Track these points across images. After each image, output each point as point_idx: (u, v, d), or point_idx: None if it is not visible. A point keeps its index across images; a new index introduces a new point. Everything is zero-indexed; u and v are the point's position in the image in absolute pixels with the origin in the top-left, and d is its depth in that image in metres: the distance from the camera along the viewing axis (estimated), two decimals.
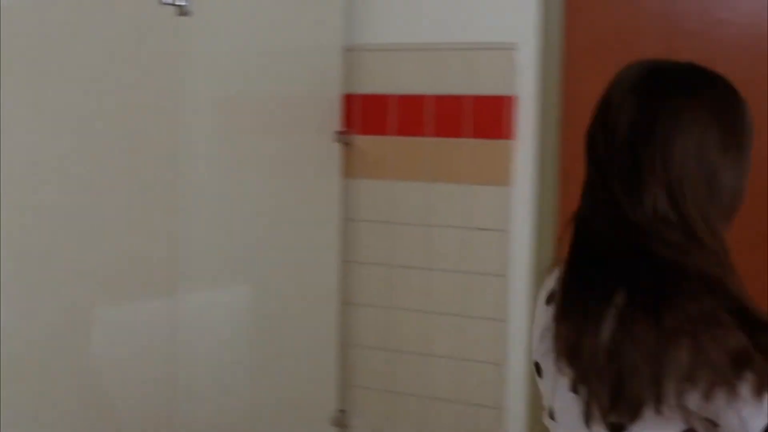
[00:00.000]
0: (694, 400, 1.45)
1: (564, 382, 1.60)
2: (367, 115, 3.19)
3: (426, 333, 3.15)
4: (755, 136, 1.59)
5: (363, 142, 3.19)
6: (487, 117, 3.03)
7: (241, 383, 2.83)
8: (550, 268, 1.72)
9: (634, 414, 1.50)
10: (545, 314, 1.66)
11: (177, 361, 2.57)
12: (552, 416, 1.71)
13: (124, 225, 2.37)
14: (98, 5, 2.28)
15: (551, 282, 1.69)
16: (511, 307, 3.05)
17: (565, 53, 2.99)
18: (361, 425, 3.27)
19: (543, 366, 1.69)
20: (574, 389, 1.57)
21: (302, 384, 3.08)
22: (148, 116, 2.41)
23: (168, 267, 2.52)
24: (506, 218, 3.04)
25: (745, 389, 1.43)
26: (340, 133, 3.17)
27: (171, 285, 2.53)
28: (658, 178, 1.53)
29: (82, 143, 2.26)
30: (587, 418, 1.55)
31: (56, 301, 2.22)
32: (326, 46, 3.11)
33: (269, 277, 2.91)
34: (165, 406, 2.55)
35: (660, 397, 1.46)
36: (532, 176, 3.02)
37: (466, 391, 3.11)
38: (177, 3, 2.44)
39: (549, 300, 1.67)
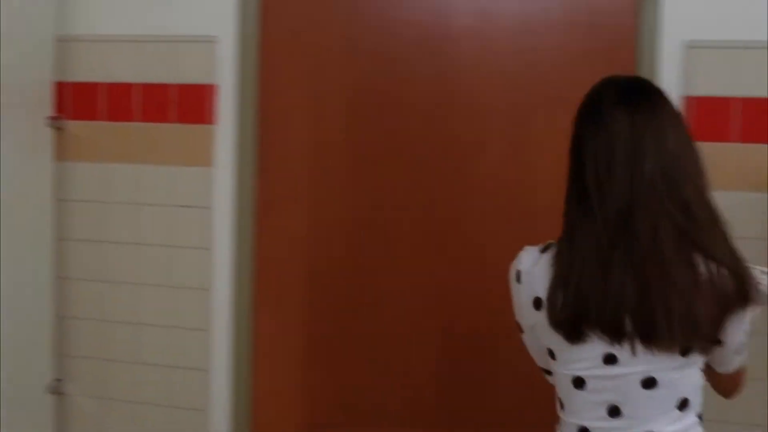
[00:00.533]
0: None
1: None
2: (78, 101, 3.40)
3: (136, 303, 3.40)
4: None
5: (75, 127, 3.40)
6: (191, 104, 3.31)
7: None
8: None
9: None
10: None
11: None
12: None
13: None
14: None
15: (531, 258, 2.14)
16: (214, 278, 3.34)
17: (261, 46, 3.30)
18: (76, 392, 3.49)
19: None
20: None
21: (19, 354, 3.26)
22: None
23: None
24: (209, 196, 3.32)
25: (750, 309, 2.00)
26: (52, 118, 3.36)
27: None
28: (657, 165, 1.98)
29: None
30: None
31: None
32: (38, 35, 3.30)
33: None
34: None
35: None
36: (232, 158, 3.31)
37: (173, 354, 3.39)
38: None
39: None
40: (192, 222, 3.34)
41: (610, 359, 2.02)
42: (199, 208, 3.33)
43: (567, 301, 2.01)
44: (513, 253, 3.12)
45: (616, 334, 1.99)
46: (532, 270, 2.11)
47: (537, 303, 2.10)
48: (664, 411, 2.05)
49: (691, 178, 2.01)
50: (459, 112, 3.18)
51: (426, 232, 3.22)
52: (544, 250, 2.12)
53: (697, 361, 2.02)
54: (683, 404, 2.05)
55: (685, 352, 1.99)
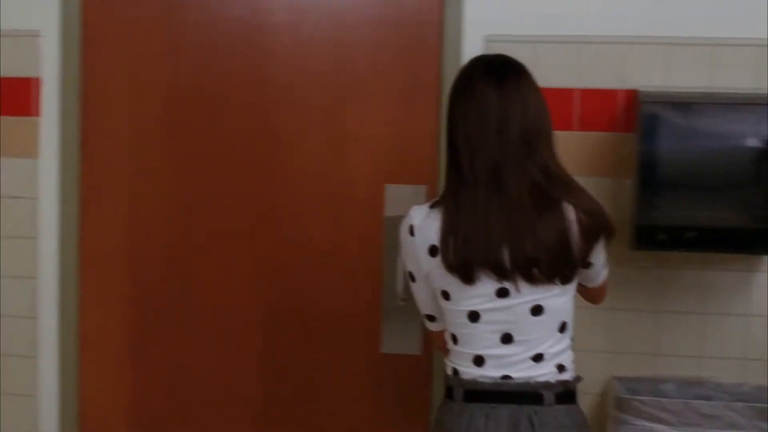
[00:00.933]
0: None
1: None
2: None
3: None
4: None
5: None
6: (15, 97, 3.37)
7: None
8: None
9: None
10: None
11: None
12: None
13: None
14: None
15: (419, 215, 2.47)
16: (41, 267, 3.41)
17: (84, 39, 3.38)
18: None
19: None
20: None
21: None
22: None
23: None
24: (35, 187, 3.39)
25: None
26: None
27: None
28: (520, 130, 2.36)
29: None
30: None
31: None
32: None
33: None
34: None
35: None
36: (57, 149, 3.39)
37: (2, 341, 3.45)
38: None
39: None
40: (18, 212, 3.40)
41: (502, 293, 2.38)
42: (25, 199, 3.40)
43: (457, 247, 2.37)
44: (331, 239, 3.28)
45: (500, 273, 2.36)
46: (424, 223, 2.44)
47: (432, 250, 2.44)
48: (549, 335, 2.41)
49: (547, 140, 2.42)
50: (276, 104, 3.31)
51: (246, 222, 3.34)
52: (432, 206, 2.46)
53: (572, 288, 2.42)
54: (563, 327, 2.43)
55: (564, 281, 2.39)
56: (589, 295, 2.66)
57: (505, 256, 2.36)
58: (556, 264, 2.37)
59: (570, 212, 2.37)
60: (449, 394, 2.48)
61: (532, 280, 2.37)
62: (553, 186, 2.39)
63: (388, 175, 3.26)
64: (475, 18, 3.16)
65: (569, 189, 2.41)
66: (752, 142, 2.87)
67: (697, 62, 3.04)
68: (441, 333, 2.58)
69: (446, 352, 2.55)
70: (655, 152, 2.90)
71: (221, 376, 3.39)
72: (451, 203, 2.41)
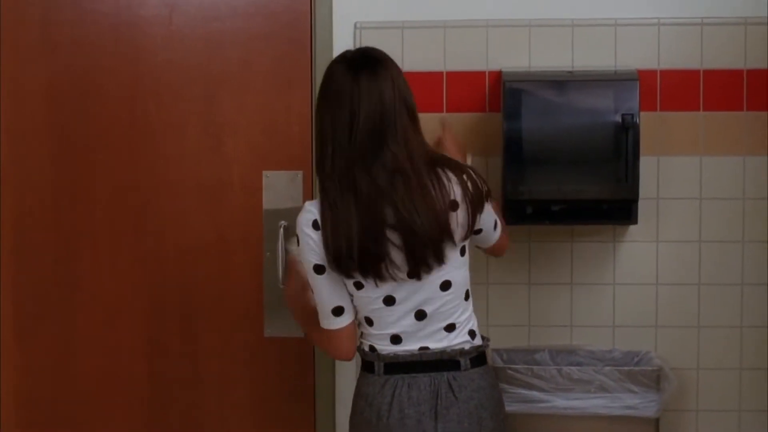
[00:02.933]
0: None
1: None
2: None
3: None
4: None
5: None
6: None
7: None
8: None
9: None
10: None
11: None
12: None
13: None
14: None
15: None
16: None
17: None
18: None
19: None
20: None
21: None
22: None
23: None
24: None
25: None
26: None
27: None
28: (369, 123, 2.43)
29: None
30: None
31: None
32: None
33: None
34: None
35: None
36: None
37: None
38: None
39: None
40: None
41: (413, 274, 2.49)
42: None
43: (327, 245, 2.47)
44: (212, 225, 3.33)
45: (370, 273, 2.49)
46: (324, 216, 2.48)
47: None
48: (458, 305, 2.55)
49: (400, 130, 2.46)
50: (151, 97, 3.36)
51: (129, 211, 3.38)
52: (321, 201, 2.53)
53: (468, 257, 2.58)
54: (467, 295, 2.58)
55: (462, 253, 2.54)
56: (490, 251, 2.78)
57: (387, 249, 2.46)
58: (429, 249, 2.47)
59: (452, 185, 2.48)
60: (368, 368, 2.59)
61: (420, 262, 2.48)
62: (418, 168, 2.47)
63: (265, 162, 3.32)
64: (344, 5, 3.24)
65: (442, 164, 2.51)
66: (611, 116, 3.00)
67: (557, 43, 3.17)
68: (336, 334, 2.58)
69: (341, 354, 2.61)
70: (520, 130, 3.01)
71: (108, 361, 3.41)
72: (323, 199, 2.50)
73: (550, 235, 3.20)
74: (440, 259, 2.48)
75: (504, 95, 3.02)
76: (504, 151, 3.01)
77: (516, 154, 3.02)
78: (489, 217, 2.61)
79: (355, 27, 3.21)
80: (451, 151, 2.85)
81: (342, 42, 3.21)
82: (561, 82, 3.06)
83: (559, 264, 3.21)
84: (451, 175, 2.50)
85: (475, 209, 2.52)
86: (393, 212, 2.45)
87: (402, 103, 2.50)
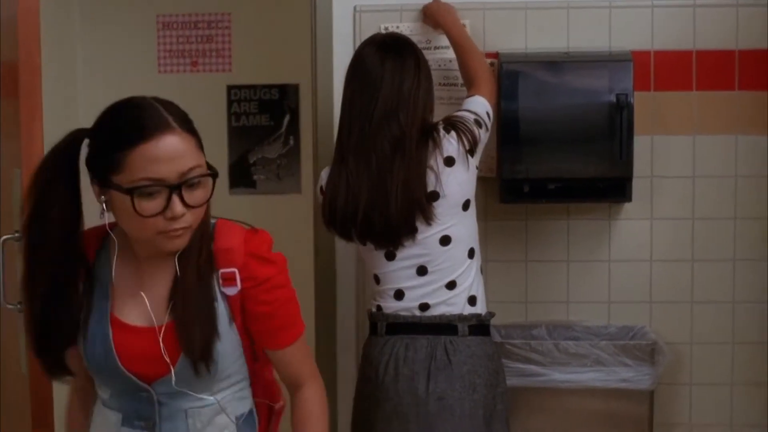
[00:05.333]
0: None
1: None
2: None
3: None
4: None
5: None
6: None
7: None
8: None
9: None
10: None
11: None
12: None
13: None
14: None
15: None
16: None
17: None
18: None
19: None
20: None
21: None
22: None
23: None
24: None
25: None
26: None
27: None
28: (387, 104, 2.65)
29: None
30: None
31: None
32: None
33: None
34: None
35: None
36: None
37: None
38: None
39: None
40: None
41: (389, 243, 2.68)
42: None
43: (331, 209, 2.70)
44: None
45: (369, 237, 2.69)
46: (333, 181, 2.72)
47: None
48: (460, 262, 2.69)
49: (412, 114, 2.66)
50: None
51: None
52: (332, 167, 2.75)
53: (473, 211, 2.72)
54: (471, 253, 2.72)
55: (464, 207, 2.69)
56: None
57: (374, 218, 2.66)
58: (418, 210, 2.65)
59: (446, 143, 2.69)
60: (373, 329, 2.76)
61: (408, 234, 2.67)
62: (414, 138, 2.68)
63: None
64: None
65: (436, 128, 2.72)
66: (606, 96, 3.07)
67: (552, 25, 3.23)
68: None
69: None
70: (517, 110, 3.08)
71: None
72: (336, 167, 2.72)
73: (546, 213, 3.27)
74: (412, 231, 2.66)
75: (501, 77, 3.09)
76: (500, 131, 3.08)
77: (513, 134, 3.08)
78: (478, 107, 2.85)
79: (355, 10, 3.27)
80: (446, 20, 3.09)
81: (342, 25, 3.27)
82: (556, 64, 3.13)
83: (555, 241, 3.29)
84: (443, 134, 2.69)
85: (472, 149, 2.73)
86: (388, 186, 2.62)
87: (424, 91, 2.71)
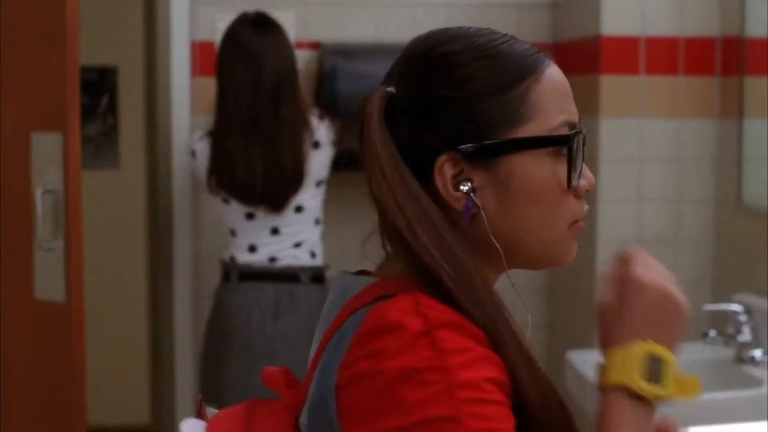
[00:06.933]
0: None
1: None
2: None
3: None
4: None
5: None
6: None
7: None
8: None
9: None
10: None
11: None
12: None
13: None
14: None
15: None
16: None
17: None
18: None
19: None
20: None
21: None
22: None
23: None
24: None
25: None
26: None
27: None
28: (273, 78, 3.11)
29: None
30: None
31: None
32: None
33: None
34: None
35: None
36: None
37: None
38: None
39: None
40: None
41: (298, 209, 3.17)
42: None
43: (220, 178, 3.13)
44: None
45: (251, 201, 3.14)
46: (200, 147, 3.18)
47: (209, 170, 3.18)
48: (307, 227, 3.19)
49: (290, 88, 3.13)
50: None
51: None
52: (208, 135, 3.19)
53: (324, 188, 3.22)
54: (317, 221, 3.25)
55: (318, 185, 3.19)
56: None
57: (257, 187, 3.10)
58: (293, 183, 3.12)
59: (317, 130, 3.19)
60: (226, 277, 3.22)
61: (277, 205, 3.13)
62: (296, 122, 3.16)
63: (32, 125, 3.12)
64: None
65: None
66: None
67: (364, 18, 3.75)
68: None
69: None
70: (335, 92, 3.59)
71: None
72: (217, 138, 3.14)
73: (362, 182, 3.73)
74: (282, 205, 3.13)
75: (323, 64, 3.60)
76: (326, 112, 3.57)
77: (333, 113, 3.58)
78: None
79: (191, 2, 3.69)
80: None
81: (178, 17, 3.68)
82: (369, 52, 3.68)
83: (369, 205, 3.77)
84: (317, 121, 3.19)
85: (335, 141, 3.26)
86: (276, 156, 3.09)
87: (294, 65, 3.17)
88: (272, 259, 3.18)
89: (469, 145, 1.24)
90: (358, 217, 3.75)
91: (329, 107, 3.54)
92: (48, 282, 2.90)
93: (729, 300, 2.98)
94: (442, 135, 1.26)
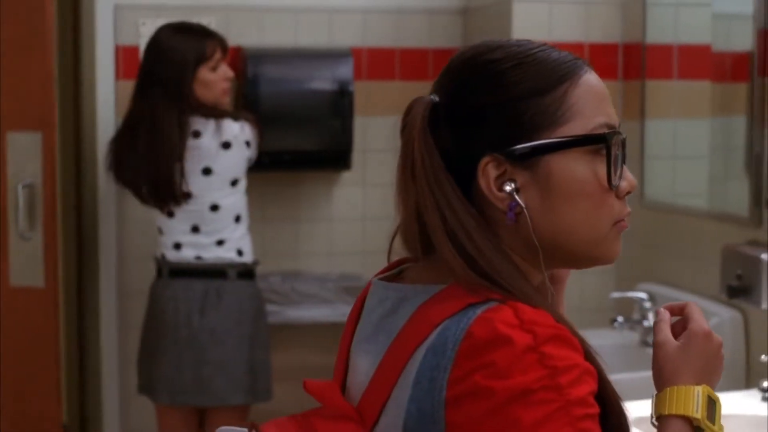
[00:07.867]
0: None
1: None
2: None
3: None
4: None
5: None
6: None
7: None
8: None
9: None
10: None
11: None
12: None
13: None
14: None
15: None
16: None
17: None
18: None
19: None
20: None
21: None
22: None
23: None
24: None
25: None
26: None
27: None
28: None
29: None
30: None
31: None
32: None
33: None
34: None
35: None
36: None
37: None
38: None
39: None
40: None
41: (186, 196, 3.26)
42: None
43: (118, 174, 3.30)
44: None
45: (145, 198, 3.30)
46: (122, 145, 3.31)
47: None
48: (227, 225, 3.30)
49: (189, 86, 3.26)
50: None
51: None
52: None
53: (242, 188, 3.32)
54: (238, 218, 3.34)
55: (233, 184, 3.28)
56: None
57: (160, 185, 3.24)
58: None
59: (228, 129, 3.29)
60: (159, 273, 3.34)
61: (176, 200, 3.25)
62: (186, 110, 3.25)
63: (8, 123, 3.46)
64: None
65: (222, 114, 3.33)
66: (329, 85, 3.78)
67: (283, 25, 3.89)
68: None
69: None
70: (258, 95, 3.73)
71: None
72: (126, 135, 3.27)
73: (282, 180, 3.93)
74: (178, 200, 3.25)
75: (245, 68, 3.73)
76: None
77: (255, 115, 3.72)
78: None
79: (116, 8, 3.78)
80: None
81: (103, 22, 3.78)
82: (288, 56, 3.83)
83: (287, 203, 3.95)
84: (230, 121, 3.30)
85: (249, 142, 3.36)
86: (176, 155, 3.22)
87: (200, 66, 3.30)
88: (198, 257, 3.29)
89: (513, 146, 1.28)
90: (278, 215, 3.92)
91: (251, 109, 3.66)
92: (25, 269, 3.30)
93: (634, 288, 3.19)
94: (485, 138, 1.30)
